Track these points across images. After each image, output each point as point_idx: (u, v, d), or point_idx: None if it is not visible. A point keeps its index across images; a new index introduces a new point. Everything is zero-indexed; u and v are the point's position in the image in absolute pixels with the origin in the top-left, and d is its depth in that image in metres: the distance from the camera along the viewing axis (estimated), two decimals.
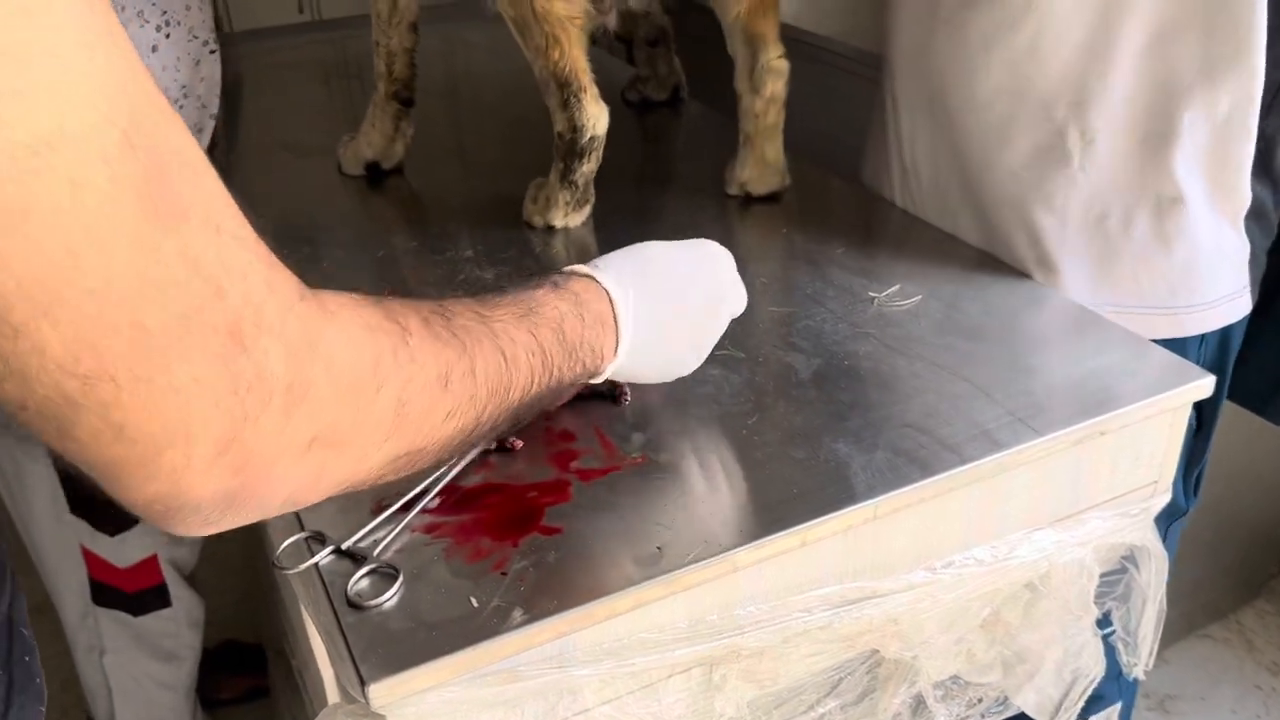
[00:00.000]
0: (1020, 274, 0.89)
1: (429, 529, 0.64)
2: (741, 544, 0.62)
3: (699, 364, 0.72)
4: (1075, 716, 0.86)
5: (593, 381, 0.67)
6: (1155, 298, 0.85)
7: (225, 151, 1.16)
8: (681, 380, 0.76)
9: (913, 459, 0.69)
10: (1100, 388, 0.75)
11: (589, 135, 0.94)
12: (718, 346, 0.73)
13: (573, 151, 0.96)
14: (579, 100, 0.93)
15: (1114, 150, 0.83)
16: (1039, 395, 0.74)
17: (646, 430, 0.72)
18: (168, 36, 1.03)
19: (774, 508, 0.65)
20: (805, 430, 0.72)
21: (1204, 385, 0.76)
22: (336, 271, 0.94)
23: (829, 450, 0.69)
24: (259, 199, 1.12)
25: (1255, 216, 0.86)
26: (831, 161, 1.16)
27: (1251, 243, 0.87)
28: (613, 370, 0.66)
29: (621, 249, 0.68)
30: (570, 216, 1.00)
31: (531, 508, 0.66)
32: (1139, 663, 0.87)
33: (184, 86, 1.02)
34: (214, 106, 1.07)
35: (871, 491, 0.66)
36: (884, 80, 1.01)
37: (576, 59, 0.93)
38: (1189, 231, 0.84)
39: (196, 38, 1.07)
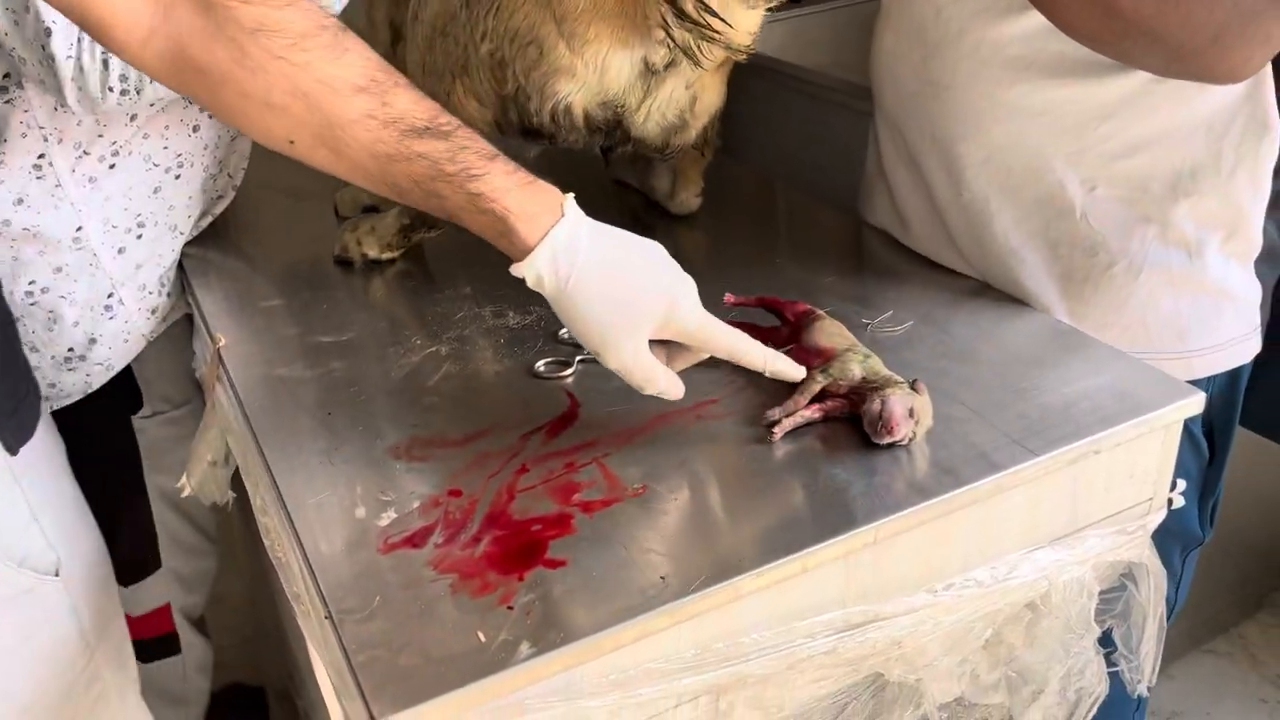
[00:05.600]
0: (1010, 299, 0.91)
1: (435, 564, 0.65)
2: (745, 571, 0.63)
3: (628, 352, 0.70)
4: None
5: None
6: (1166, 343, 0.86)
7: None
8: (680, 411, 0.78)
9: (910, 483, 0.70)
10: (1093, 407, 0.76)
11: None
12: (711, 373, 0.74)
13: (425, 221, 0.98)
14: None
15: (1118, 198, 0.83)
16: (1033, 417, 0.75)
17: (647, 461, 0.73)
18: (210, 116, 1.06)
19: (775, 535, 0.66)
20: (804, 457, 0.73)
21: (1194, 402, 0.77)
22: (337, 312, 0.95)
23: (828, 476, 0.70)
24: (260, 241, 1.14)
25: (1266, 257, 0.87)
26: (822, 192, 1.18)
27: (1261, 283, 0.88)
28: (541, 268, 0.69)
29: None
30: (384, 254, 1.02)
31: (535, 541, 0.66)
32: (1143, 679, 0.88)
33: (220, 162, 1.05)
34: (239, 178, 1.10)
35: (871, 516, 0.67)
36: (876, 133, 1.02)
37: None
38: (1199, 277, 0.84)
39: None
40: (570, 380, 0.83)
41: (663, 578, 0.63)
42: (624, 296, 0.70)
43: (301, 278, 1.03)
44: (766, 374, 0.76)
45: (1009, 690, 0.81)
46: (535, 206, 0.69)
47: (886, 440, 0.72)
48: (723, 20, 0.78)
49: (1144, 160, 0.81)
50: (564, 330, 0.90)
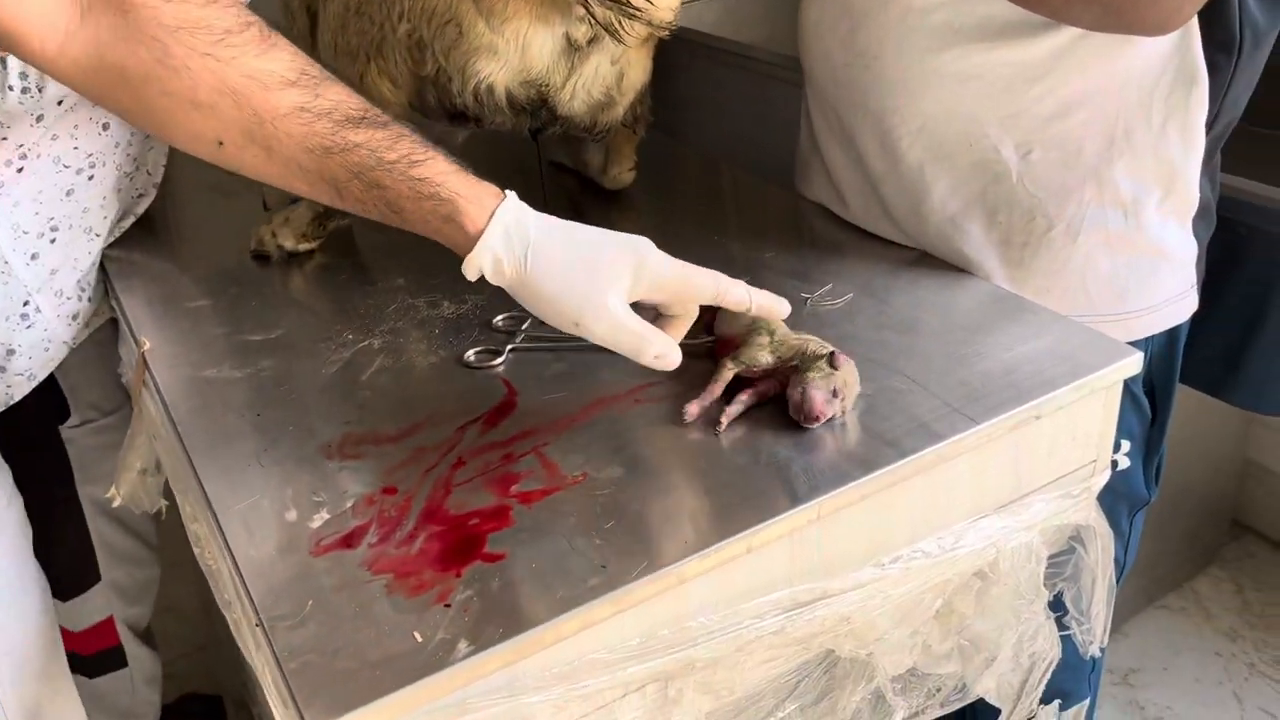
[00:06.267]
0: (949, 267, 0.90)
1: (369, 564, 0.63)
2: (687, 555, 0.62)
3: (613, 312, 0.67)
4: (1037, 700, 0.87)
5: (470, 263, 0.68)
6: (1105, 305, 0.85)
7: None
8: (618, 396, 0.76)
9: (852, 457, 0.69)
10: (1033, 372, 0.75)
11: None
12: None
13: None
14: None
15: (1053, 161, 0.82)
16: (974, 384, 0.75)
17: (586, 449, 0.71)
18: None
19: (718, 516, 0.65)
20: (745, 436, 0.71)
21: (1133, 362, 0.77)
22: (266, 309, 0.93)
23: (769, 454, 0.69)
24: (186, 240, 1.11)
25: (1201, 214, 0.87)
26: (763, 168, 1.17)
27: (1196, 240, 0.88)
28: (496, 247, 0.66)
29: None
30: (300, 244, 1.00)
31: (473, 535, 0.65)
32: (1094, 640, 0.88)
33: (135, 160, 1.02)
34: (159, 175, 1.07)
35: (813, 492, 0.66)
36: (807, 107, 1.01)
37: None
38: (1137, 237, 0.84)
39: None
40: (503, 369, 0.81)
41: (604, 566, 0.61)
42: (588, 258, 0.68)
43: (229, 276, 1.00)
44: (752, 311, 0.74)
45: (962, 659, 0.81)
46: (480, 190, 0.67)
47: (815, 426, 0.71)
48: None
49: (1077, 120, 0.81)
50: (499, 318, 0.88)
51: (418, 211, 0.66)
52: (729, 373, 0.74)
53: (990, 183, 0.84)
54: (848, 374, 0.71)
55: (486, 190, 0.68)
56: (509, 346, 0.83)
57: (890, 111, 0.86)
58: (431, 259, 1.00)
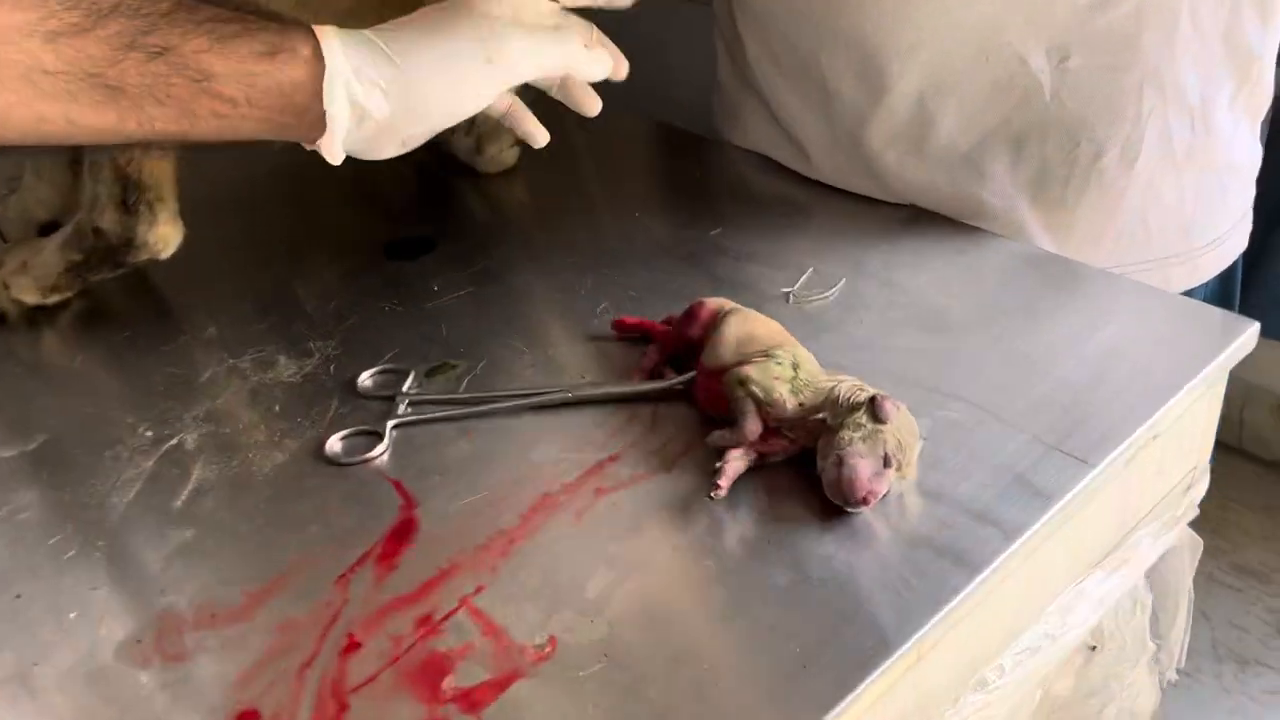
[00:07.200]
0: (955, 225, 0.69)
1: None
2: None
3: (508, 47, 0.52)
4: None
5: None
6: (1169, 243, 0.68)
7: None
8: (570, 485, 0.52)
9: (940, 548, 0.47)
10: (1130, 373, 0.55)
11: (144, 256, 0.69)
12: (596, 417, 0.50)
13: (106, 259, 0.69)
14: (151, 211, 0.67)
15: (1099, 65, 0.63)
16: (1061, 403, 0.54)
17: (543, 589, 0.47)
18: None
19: (777, 694, 0.42)
20: (773, 535, 0.49)
21: (1250, 336, 0.58)
22: (15, 402, 0.64)
23: (820, 563, 0.47)
24: None
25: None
26: (668, 109, 0.92)
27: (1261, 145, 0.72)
28: (357, 65, 0.50)
29: None
30: (49, 298, 0.72)
31: None
32: (1174, 663, 0.71)
33: None
34: None
35: (908, 624, 0.44)
36: (735, 35, 0.76)
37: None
38: (1205, 148, 0.67)
39: None
40: (386, 459, 0.56)
41: None
42: (440, 9, 0.53)
43: None
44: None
45: None
46: (279, 19, 0.52)
47: (861, 510, 0.49)
48: None
49: (1129, 5, 0.60)
50: (366, 374, 0.62)
51: (231, 63, 0.49)
52: (753, 407, 0.51)
53: (1016, 105, 0.64)
54: (901, 428, 0.49)
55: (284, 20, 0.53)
56: (390, 423, 0.57)
57: (873, 29, 0.63)
58: (253, 291, 0.72)
